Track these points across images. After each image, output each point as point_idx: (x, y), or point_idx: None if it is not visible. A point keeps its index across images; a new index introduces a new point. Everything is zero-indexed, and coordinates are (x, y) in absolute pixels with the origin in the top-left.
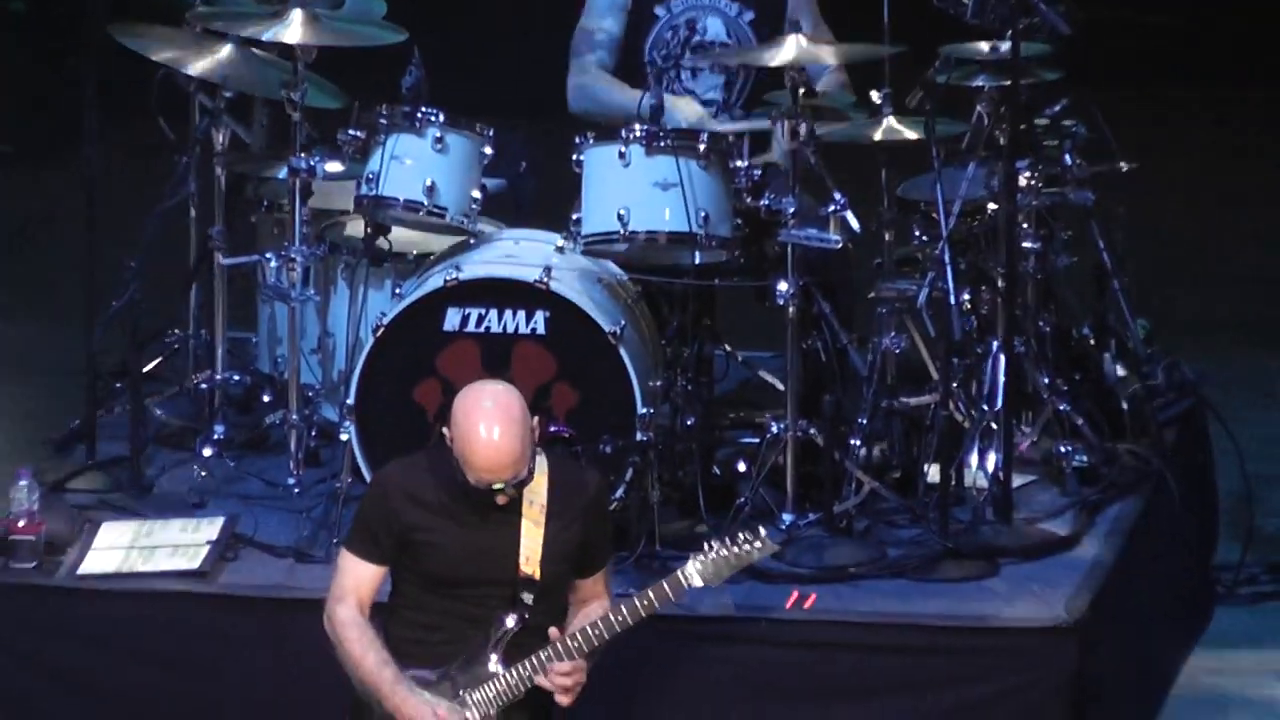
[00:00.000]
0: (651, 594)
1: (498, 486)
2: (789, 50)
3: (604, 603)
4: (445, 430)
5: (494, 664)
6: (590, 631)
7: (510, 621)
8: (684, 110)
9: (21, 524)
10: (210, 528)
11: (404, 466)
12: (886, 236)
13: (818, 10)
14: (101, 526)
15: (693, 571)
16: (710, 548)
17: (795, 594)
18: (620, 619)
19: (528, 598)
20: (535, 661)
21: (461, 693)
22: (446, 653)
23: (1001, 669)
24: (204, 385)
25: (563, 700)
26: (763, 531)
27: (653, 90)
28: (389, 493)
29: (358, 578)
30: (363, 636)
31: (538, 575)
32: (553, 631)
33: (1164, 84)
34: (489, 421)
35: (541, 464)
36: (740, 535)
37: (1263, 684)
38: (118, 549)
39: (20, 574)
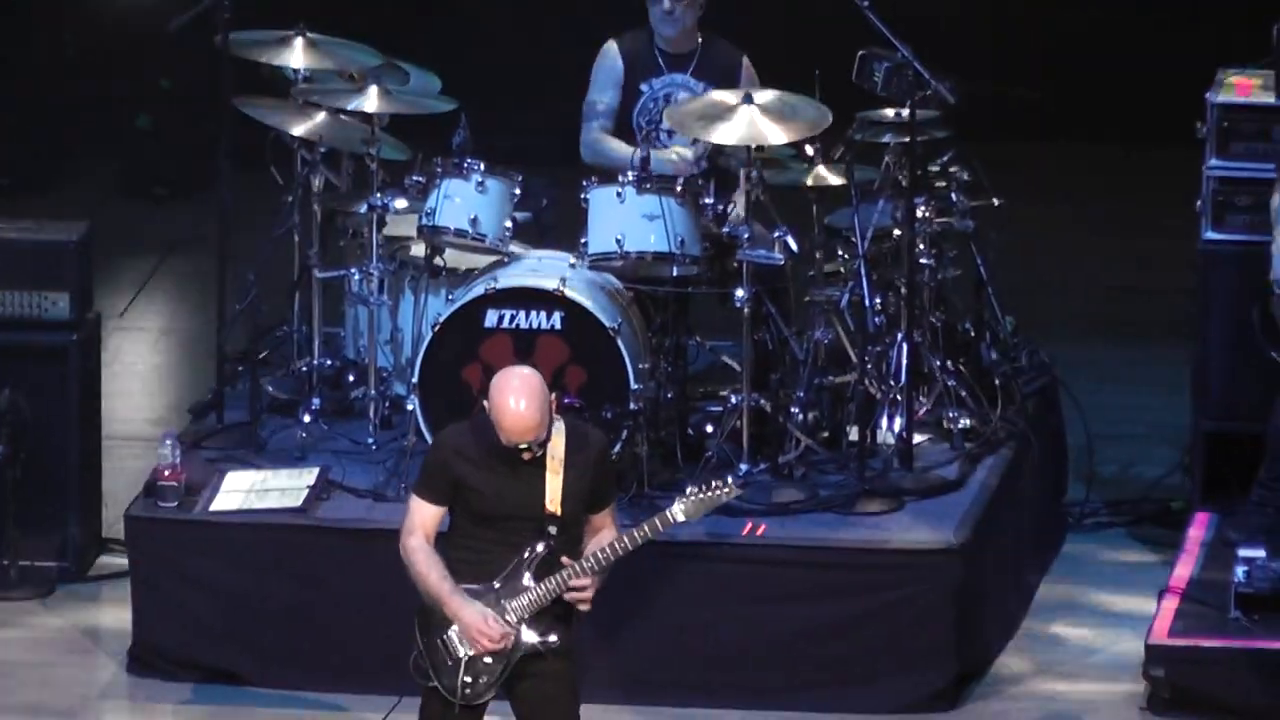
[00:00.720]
0: (646, 526)
1: (523, 446)
2: (743, 126)
3: (611, 532)
4: (485, 403)
5: (527, 579)
6: (599, 555)
7: (540, 547)
8: (666, 156)
9: (167, 473)
10: (309, 475)
11: (455, 431)
12: (817, 255)
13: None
14: (227, 475)
15: (678, 510)
16: (690, 492)
17: (750, 524)
18: (623, 545)
19: (552, 529)
20: (560, 579)
21: (502, 601)
22: (491, 571)
23: (905, 580)
24: (304, 368)
25: (582, 608)
26: (729, 479)
27: (641, 147)
28: (444, 451)
29: (423, 515)
30: (429, 559)
31: (559, 512)
32: (564, 559)
33: (1026, 140)
34: (517, 396)
35: (559, 428)
36: (713, 482)
37: (1101, 592)
38: (239, 491)
39: (167, 511)
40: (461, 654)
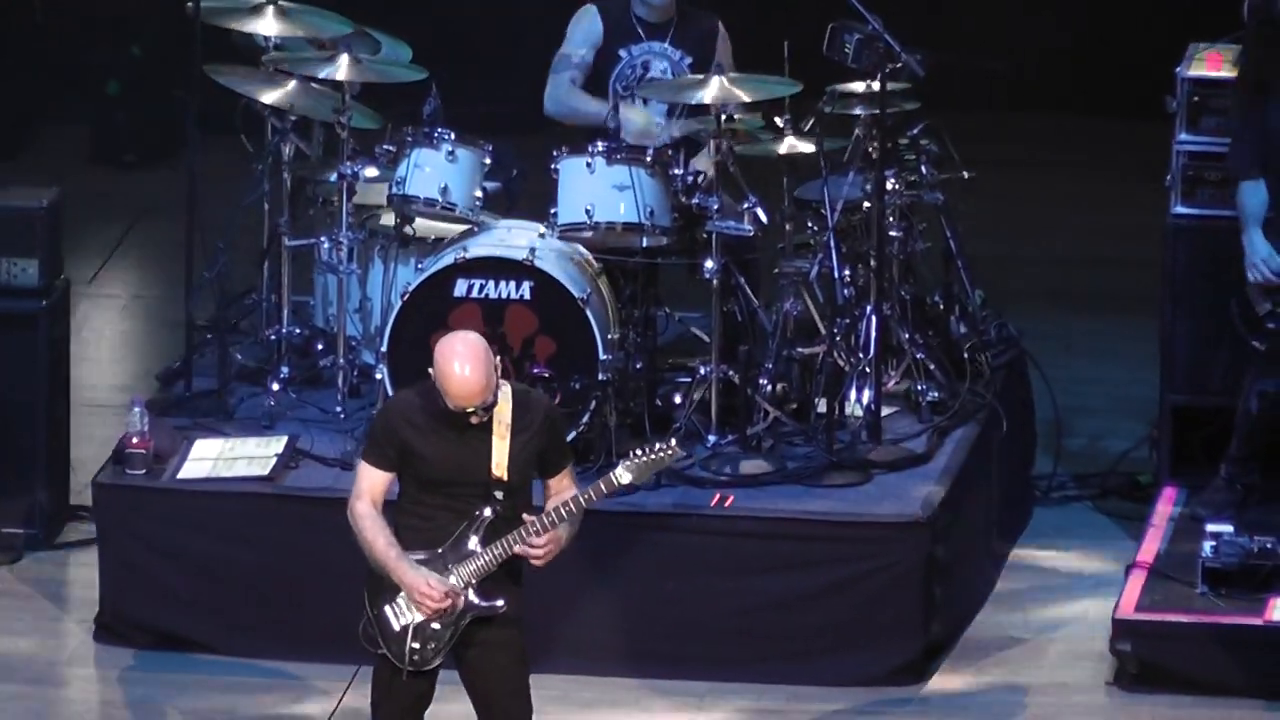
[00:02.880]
0: (591, 490)
1: (469, 410)
2: (714, 89)
3: (573, 494)
4: (431, 370)
5: (474, 544)
6: (553, 514)
7: (487, 512)
8: (634, 116)
9: (135, 440)
10: (277, 444)
11: (402, 397)
12: (787, 227)
13: (730, 59)
14: (195, 442)
15: (622, 471)
16: (634, 454)
17: (718, 495)
18: (571, 508)
19: (499, 495)
20: (506, 543)
21: (449, 566)
22: (438, 537)
23: (872, 553)
24: (273, 336)
25: (537, 564)
26: (673, 441)
27: (611, 115)
28: (391, 417)
29: (371, 481)
30: (375, 525)
31: (505, 477)
32: (526, 515)
33: (995, 112)
34: (461, 361)
35: (506, 393)
36: (657, 444)
37: (1068, 566)
38: (208, 459)
39: (134, 479)
40: (408, 620)
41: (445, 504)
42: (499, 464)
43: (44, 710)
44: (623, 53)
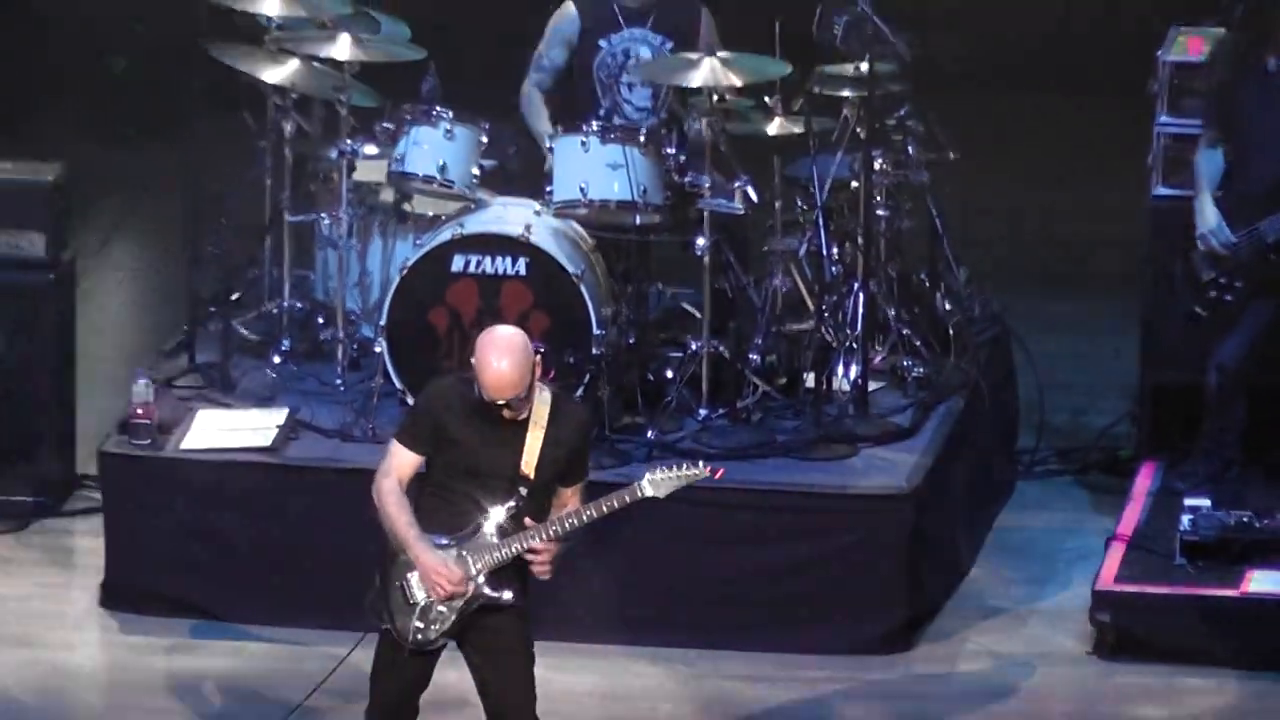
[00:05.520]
0: (614, 498)
1: (503, 402)
2: (705, 72)
3: (578, 506)
4: (472, 360)
5: (491, 536)
6: (564, 521)
7: (509, 506)
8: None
9: (140, 412)
10: (278, 415)
11: (444, 384)
12: (776, 205)
13: (717, 39)
14: (199, 413)
15: (646, 484)
16: (660, 470)
17: (708, 468)
18: (589, 514)
19: (523, 491)
20: (523, 539)
21: (465, 554)
22: (458, 524)
23: (858, 524)
24: (274, 310)
25: (540, 573)
26: (701, 463)
27: (549, 136)
28: (431, 401)
29: (401, 461)
30: (399, 503)
31: (532, 475)
32: (527, 520)
33: (981, 93)
34: (499, 355)
35: (545, 397)
36: (685, 463)
37: (1050, 538)
38: (210, 430)
39: (140, 448)
40: (418, 599)
41: (470, 492)
42: (528, 462)
43: (51, 673)
44: (603, 43)
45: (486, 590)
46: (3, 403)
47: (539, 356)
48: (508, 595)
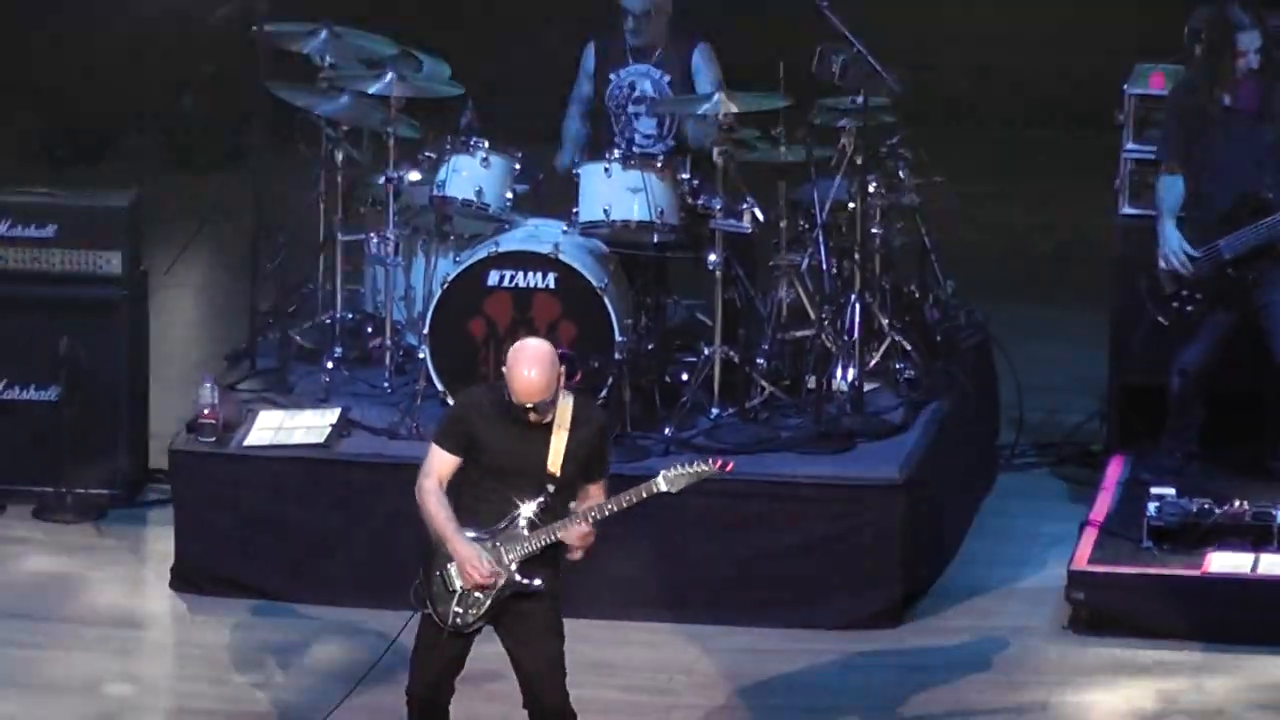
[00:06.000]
0: (632, 493)
1: (530, 406)
2: (719, 103)
3: (601, 500)
4: (504, 369)
5: (523, 529)
6: (594, 510)
7: (538, 502)
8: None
9: (205, 412)
10: (331, 415)
11: (476, 392)
12: (781, 224)
13: (718, 71)
14: (259, 414)
15: (661, 480)
16: (675, 467)
17: (719, 461)
18: (611, 508)
19: (550, 488)
20: (554, 528)
21: (499, 546)
22: (492, 519)
23: (856, 512)
24: (328, 320)
25: (575, 555)
26: (710, 459)
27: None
28: (465, 408)
29: (440, 461)
30: (438, 501)
31: (558, 473)
32: (573, 505)
33: (966, 124)
34: (528, 364)
35: (568, 401)
36: (696, 460)
37: (1029, 524)
38: (270, 429)
39: (206, 445)
40: (456, 586)
41: (501, 490)
42: (554, 461)
43: (126, 649)
44: (613, 76)
45: (519, 578)
46: (83, 405)
47: (564, 367)
48: (537, 582)
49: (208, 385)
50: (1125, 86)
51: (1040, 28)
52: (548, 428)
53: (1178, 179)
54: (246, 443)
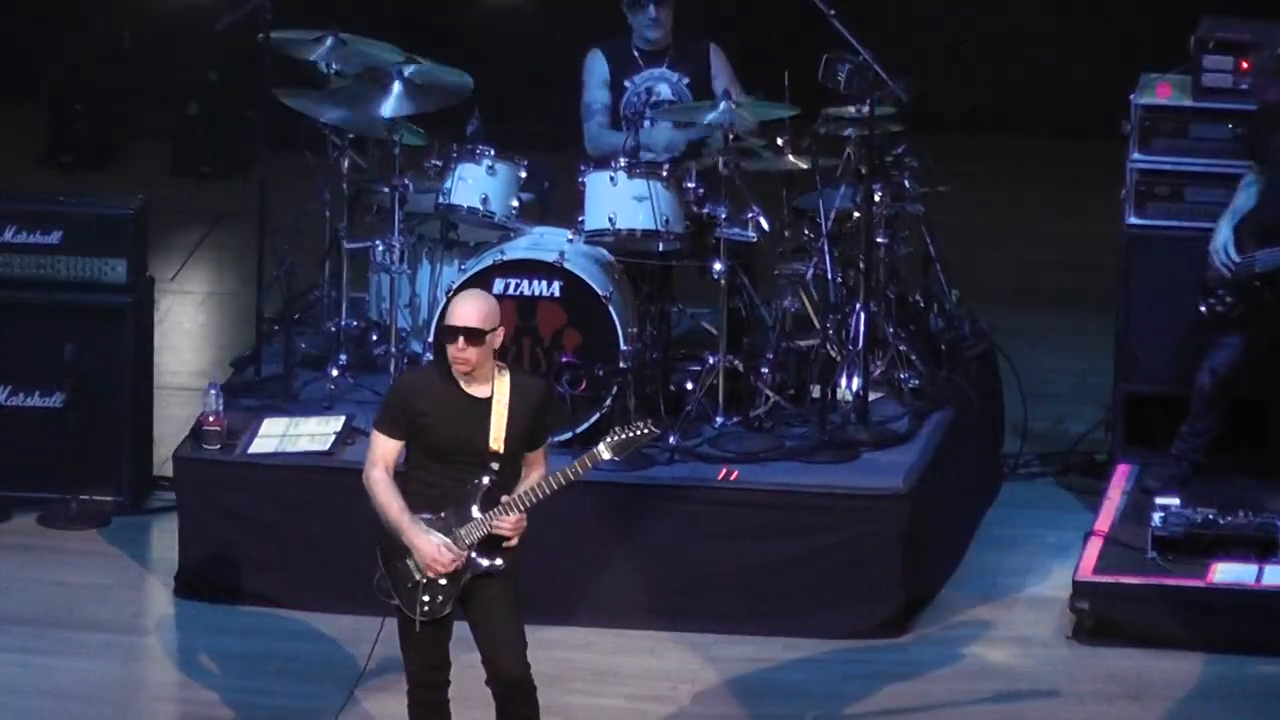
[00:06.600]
0: (577, 464)
1: (460, 330)
2: (721, 111)
3: (542, 469)
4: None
5: (475, 510)
6: (531, 493)
7: (485, 480)
8: (656, 135)
9: (210, 419)
10: (335, 423)
11: (413, 374)
12: (786, 233)
13: (733, 75)
14: (264, 421)
15: (603, 448)
16: (615, 432)
17: (724, 470)
18: (553, 483)
19: (495, 465)
20: (502, 511)
21: (453, 529)
22: (443, 503)
23: (860, 522)
24: (333, 327)
25: (511, 542)
26: (649, 420)
27: (628, 135)
28: (403, 390)
29: (384, 448)
30: (388, 491)
31: (501, 450)
32: (503, 498)
33: (972, 133)
34: (465, 294)
35: (505, 377)
36: (636, 423)
37: (1033, 534)
38: (274, 436)
39: (210, 453)
40: (419, 578)
41: (448, 471)
42: (496, 438)
43: (130, 656)
44: (627, 83)
45: (481, 561)
46: (88, 412)
47: (569, 375)
48: (499, 562)
49: (212, 392)
50: (1132, 97)
51: (1047, 35)
52: (487, 404)
53: (1255, 180)
54: (251, 450)
